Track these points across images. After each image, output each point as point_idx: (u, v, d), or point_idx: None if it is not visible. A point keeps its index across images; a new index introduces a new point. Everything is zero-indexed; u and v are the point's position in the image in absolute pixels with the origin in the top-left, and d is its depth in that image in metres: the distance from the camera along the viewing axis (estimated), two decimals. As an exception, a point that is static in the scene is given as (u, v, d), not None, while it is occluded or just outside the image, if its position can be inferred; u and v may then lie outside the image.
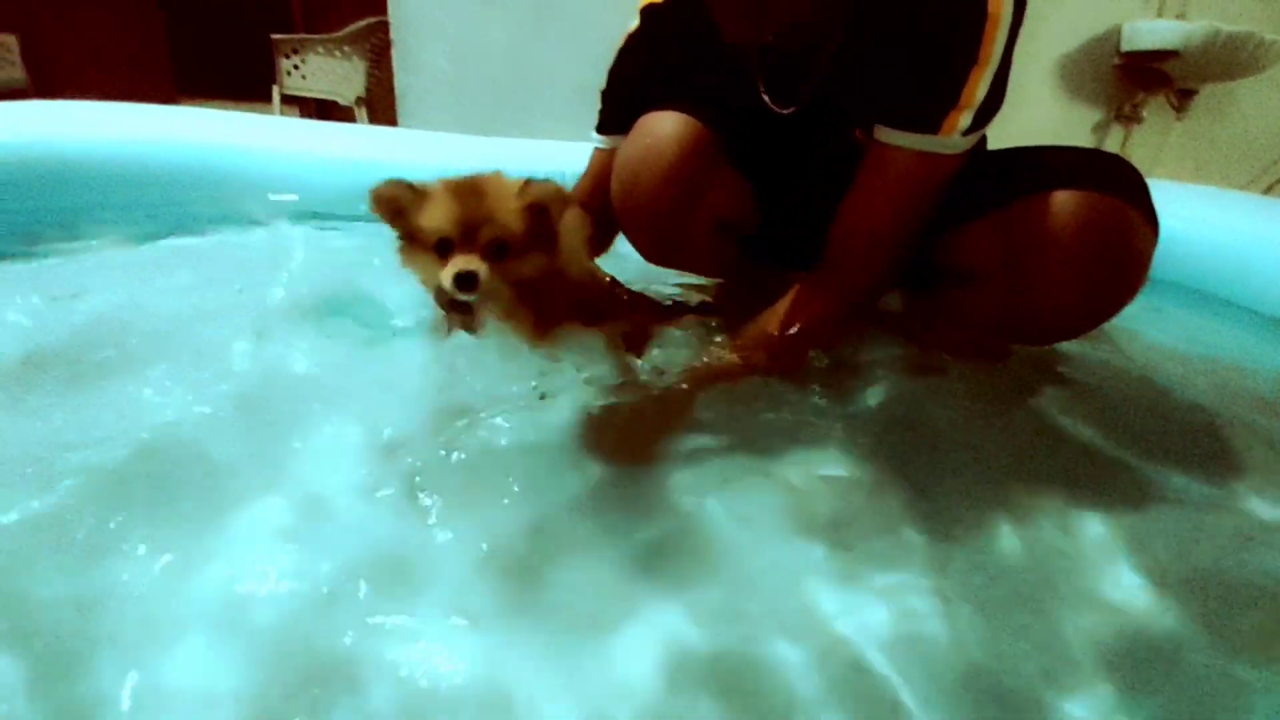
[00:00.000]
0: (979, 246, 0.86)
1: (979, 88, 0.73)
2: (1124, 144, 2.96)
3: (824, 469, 0.79)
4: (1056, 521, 0.72)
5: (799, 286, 0.91)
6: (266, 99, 3.87)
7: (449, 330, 0.79)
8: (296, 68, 3.77)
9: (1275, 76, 2.71)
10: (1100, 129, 2.97)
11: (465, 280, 0.64)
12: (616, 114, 1.05)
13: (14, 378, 0.81)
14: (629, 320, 0.93)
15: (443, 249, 0.67)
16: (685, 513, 0.70)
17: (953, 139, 0.76)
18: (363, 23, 3.62)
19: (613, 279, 1.03)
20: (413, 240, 0.69)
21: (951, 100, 0.74)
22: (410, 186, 0.68)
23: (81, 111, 1.71)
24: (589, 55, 2.24)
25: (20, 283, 1.12)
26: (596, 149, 1.09)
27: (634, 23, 1.00)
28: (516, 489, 0.69)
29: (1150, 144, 2.95)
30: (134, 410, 0.74)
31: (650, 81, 1.00)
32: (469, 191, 0.68)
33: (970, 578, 0.65)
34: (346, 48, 3.71)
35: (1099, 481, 0.80)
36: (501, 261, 0.67)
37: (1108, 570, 0.66)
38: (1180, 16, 2.70)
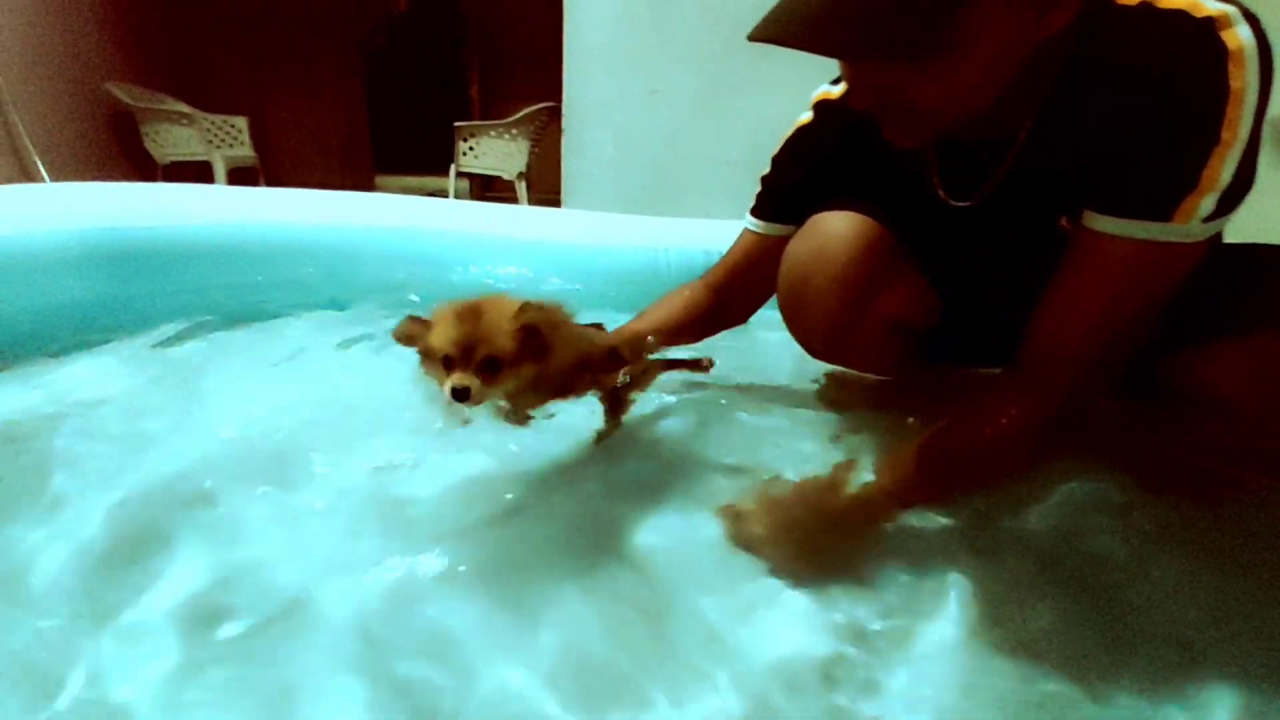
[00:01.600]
0: (1230, 373, 0.74)
1: (1224, 169, 0.64)
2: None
3: (990, 610, 0.71)
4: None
5: (989, 393, 0.81)
6: (445, 174, 4.37)
7: (457, 421, 0.95)
8: (471, 149, 4.23)
9: None
10: (1330, 199, 2.57)
11: (459, 394, 0.78)
12: (776, 201, 1.05)
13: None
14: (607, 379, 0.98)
15: (447, 364, 0.80)
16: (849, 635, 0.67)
17: (1189, 226, 0.67)
18: (531, 109, 4.00)
19: (613, 349, 0.99)
20: (427, 356, 0.83)
21: (1189, 184, 0.65)
22: (420, 321, 0.83)
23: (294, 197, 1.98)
24: (745, 141, 2.34)
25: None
26: (747, 230, 1.08)
27: (806, 115, 1.01)
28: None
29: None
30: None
31: (818, 174, 0.99)
32: (468, 315, 0.80)
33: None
34: (514, 130, 4.11)
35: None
36: (494, 375, 0.80)
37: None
38: None
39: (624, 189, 2.41)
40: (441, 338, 0.79)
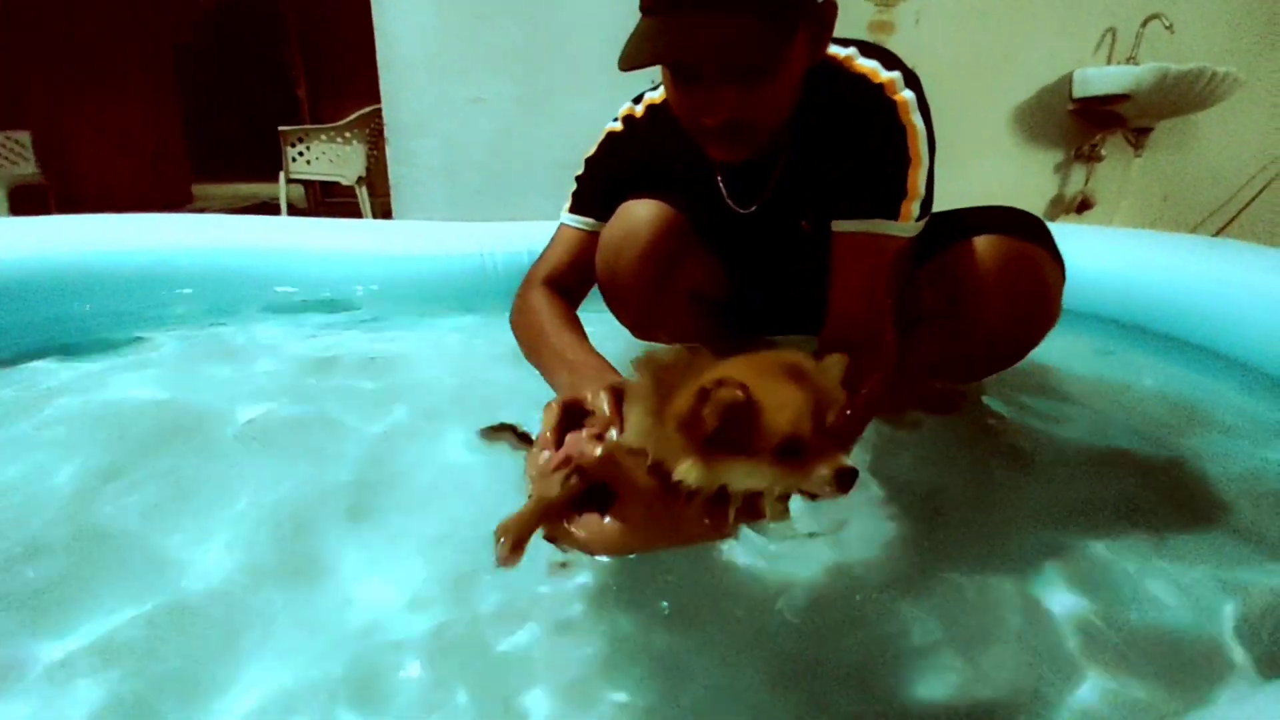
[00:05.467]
0: (925, 292, 1.05)
1: (919, 182, 0.92)
2: (1087, 181, 3.08)
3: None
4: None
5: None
6: (275, 180, 4.13)
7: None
8: (302, 154, 4.03)
9: (1232, 104, 2.81)
10: (1062, 169, 3.09)
11: (847, 477, 0.52)
12: (593, 198, 1.16)
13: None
14: None
15: (788, 452, 0.52)
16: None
17: (908, 224, 0.94)
18: (365, 110, 3.87)
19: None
20: (727, 451, 0.53)
21: (903, 192, 0.93)
22: (727, 397, 0.51)
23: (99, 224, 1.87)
24: (565, 142, 2.44)
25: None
26: (565, 226, 1.18)
27: (615, 124, 1.14)
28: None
29: (1113, 179, 3.06)
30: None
31: (627, 177, 1.14)
32: (790, 370, 0.54)
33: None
34: (348, 134, 3.96)
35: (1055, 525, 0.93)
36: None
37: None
38: (1131, 60, 2.84)
39: (455, 194, 2.45)
40: (787, 411, 0.51)
